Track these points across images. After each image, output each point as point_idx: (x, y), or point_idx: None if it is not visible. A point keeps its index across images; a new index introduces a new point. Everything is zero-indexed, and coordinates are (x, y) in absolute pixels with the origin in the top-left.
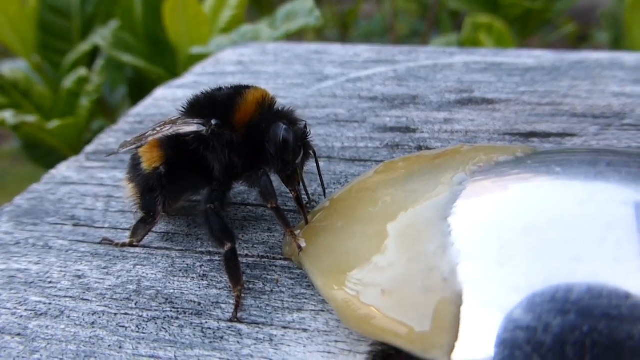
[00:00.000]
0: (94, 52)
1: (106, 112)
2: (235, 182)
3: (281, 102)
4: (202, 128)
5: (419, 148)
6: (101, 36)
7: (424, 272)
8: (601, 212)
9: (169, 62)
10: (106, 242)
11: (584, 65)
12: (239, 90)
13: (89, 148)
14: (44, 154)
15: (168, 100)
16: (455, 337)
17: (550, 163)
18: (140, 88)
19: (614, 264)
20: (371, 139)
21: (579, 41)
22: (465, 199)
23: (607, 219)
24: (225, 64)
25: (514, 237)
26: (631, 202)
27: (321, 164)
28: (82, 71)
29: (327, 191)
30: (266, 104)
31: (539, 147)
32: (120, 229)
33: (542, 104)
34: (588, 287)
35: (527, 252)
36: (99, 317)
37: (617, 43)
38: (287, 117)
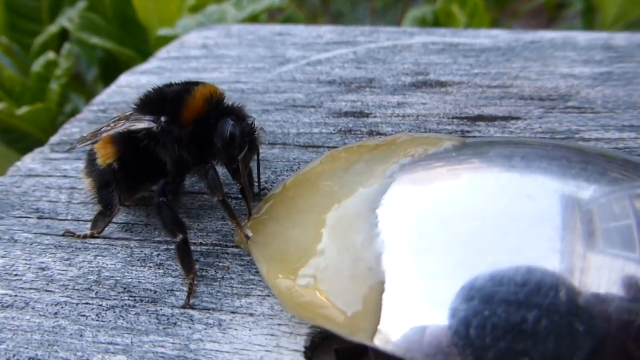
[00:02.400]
0: (64, 34)
1: (82, 87)
2: (187, 175)
3: (242, 87)
4: (152, 124)
5: (371, 133)
6: (68, 17)
7: (352, 262)
8: (507, 205)
9: (139, 42)
10: (68, 234)
11: (538, 45)
12: (187, 87)
13: (53, 139)
14: (16, 138)
15: (132, 87)
16: (377, 321)
17: (471, 156)
18: (112, 68)
19: (513, 254)
20: (325, 124)
21: (558, 9)
22: (393, 191)
23: (512, 212)
24: (189, 48)
25: (432, 228)
26: (535, 196)
27: (276, 150)
28: (50, 55)
29: (280, 178)
30: (214, 100)
31: (468, 138)
32: (83, 220)
33: (493, 86)
34: (490, 276)
35: (442, 242)
36: (62, 307)
37: (589, 12)
38: (236, 113)
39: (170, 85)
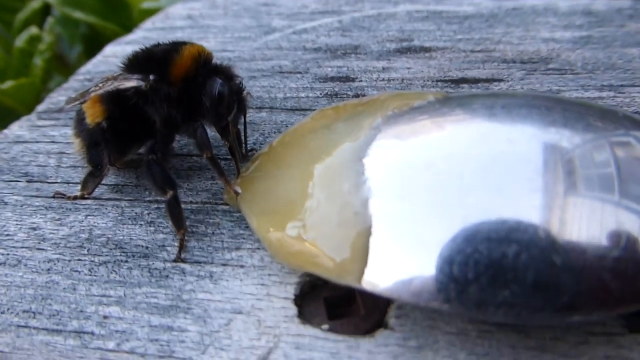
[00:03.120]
0: (46, 10)
1: (65, 68)
2: (176, 134)
3: (229, 55)
4: (141, 83)
5: (356, 96)
6: None
7: (339, 208)
8: (489, 149)
9: (123, 17)
10: (59, 195)
11: (520, 12)
12: (175, 47)
13: (40, 107)
14: (0, 115)
15: (118, 56)
16: (364, 264)
17: (454, 107)
18: (95, 45)
19: (494, 194)
20: (312, 89)
21: None
22: (378, 142)
23: (493, 155)
24: (175, 19)
25: (415, 173)
26: (515, 140)
27: (263, 114)
28: (33, 30)
29: (268, 140)
30: (202, 59)
31: (450, 93)
32: (73, 183)
33: (476, 50)
34: (472, 215)
35: (425, 186)
36: (54, 264)
37: None
38: (224, 72)
39: (158, 45)
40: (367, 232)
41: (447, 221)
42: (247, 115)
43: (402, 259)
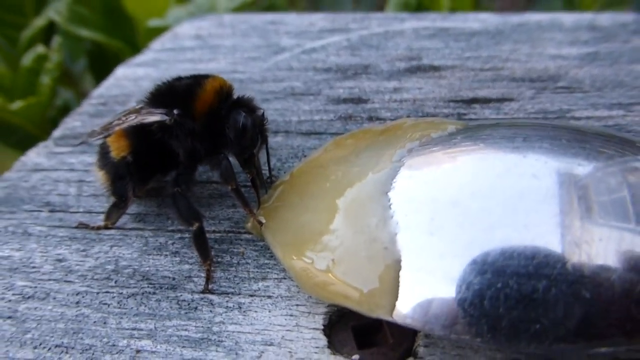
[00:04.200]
0: (51, 27)
1: (69, 81)
2: (199, 165)
3: (240, 77)
4: (165, 117)
5: (370, 118)
6: (55, 10)
7: (368, 243)
8: (514, 185)
9: (128, 33)
10: (82, 226)
11: (526, 27)
12: (197, 80)
13: (56, 133)
14: (7, 132)
15: (129, 79)
16: (395, 297)
17: (475, 139)
18: (100, 60)
19: (523, 230)
20: (326, 111)
21: None
22: (403, 175)
23: (519, 191)
24: (183, 39)
25: (443, 209)
26: (539, 175)
27: (279, 138)
28: (40, 49)
29: (286, 165)
30: (224, 93)
31: (470, 121)
32: (95, 212)
33: (485, 69)
34: (502, 251)
35: (453, 222)
36: (83, 297)
37: None
38: (247, 105)
39: (180, 79)
40: (396, 266)
41: (477, 256)
42: (261, 149)
43: (433, 293)
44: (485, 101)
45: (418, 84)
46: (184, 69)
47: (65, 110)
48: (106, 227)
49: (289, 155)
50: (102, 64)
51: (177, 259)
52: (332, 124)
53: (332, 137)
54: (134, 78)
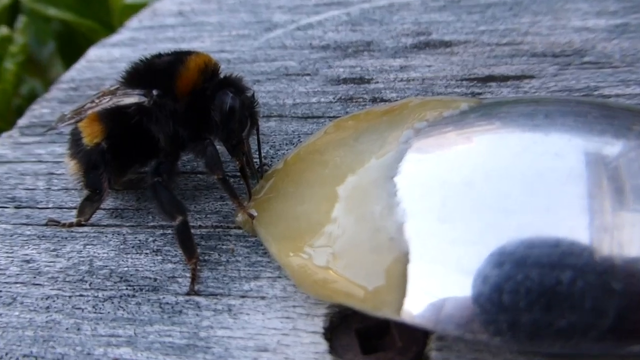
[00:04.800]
0: (15, 6)
1: (35, 69)
2: (182, 152)
3: (227, 56)
4: (143, 99)
5: (374, 100)
6: None
7: (371, 233)
8: (534, 164)
9: (102, 12)
10: (52, 223)
11: None
12: (179, 57)
13: (22, 121)
14: None
15: (104, 61)
16: (403, 294)
17: (491, 117)
18: (71, 44)
19: (544, 214)
20: (324, 92)
21: None
22: (410, 158)
23: (540, 171)
24: (164, 16)
25: (455, 193)
26: (562, 153)
27: (272, 123)
28: (3, 30)
29: (279, 152)
30: (209, 71)
31: (485, 99)
32: (66, 208)
33: (502, 44)
34: (521, 238)
35: (466, 207)
36: (54, 301)
37: None
38: (234, 84)
39: (160, 55)
40: (404, 259)
41: (494, 245)
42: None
43: (445, 288)
44: (503, 79)
45: (427, 61)
46: (165, 50)
47: (31, 100)
48: (79, 224)
49: (283, 142)
50: (73, 48)
51: (159, 257)
52: (331, 106)
53: (332, 120)
54: (108, 60)
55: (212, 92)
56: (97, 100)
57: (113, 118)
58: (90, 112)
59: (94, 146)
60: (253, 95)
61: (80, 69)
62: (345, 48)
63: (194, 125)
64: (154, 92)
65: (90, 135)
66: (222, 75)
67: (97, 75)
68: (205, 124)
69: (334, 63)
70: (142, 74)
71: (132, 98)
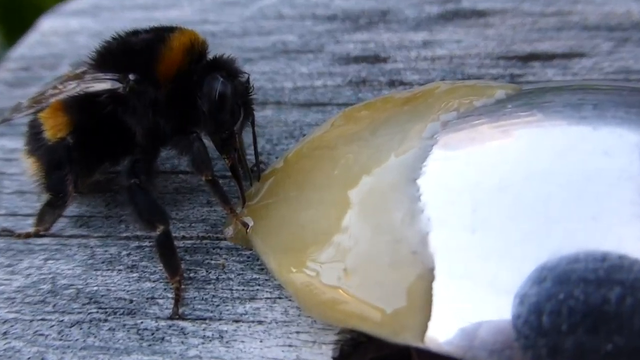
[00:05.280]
0: None
1: None
2: (162, 148)
3: (211, 29)
4: (117, 85)
5: (391, 84)
6: None
7: (391, 245)
8: (579, 165)
9: None
10: (6, 232)
11: None
12: (160, 35)
13: None
14: None
15: (60, 34)
16: (427, 316)
17: (531, 107)
18: (14, 11)
19: (591, 223)
20: (331, 74)
21: None
22: (436, 156)
23: (585, 172)
24: None
25: (488, 197)
26: (612, 152)
27: (268, 112)
28: None
29: (278, 148)
30: (196, 51)
31: (525, 85)
32: (21, 214)
33: (547, 14)
34: (564, 251)
35: (501, 214)
36: (12, 326)
37: None
38: (226, 67)
39: (137, 33)
40: (428, 276)
41: (532, 259)
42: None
43: (477, 309)
44: (548, 57)
45: (456, 34)
46: (135, 19)
47: None
48: (37, 234)
49: (282, 135)
50: (17, 16)
51: (135, 274)
52: (339, 91)
53: (341, 108)
54: (65, 32)
55: (199, 77)
56: (60, 87)
57: (81, 108)
58: (53, 100)
59: (58, 141)
60: (248, 80)
61: (31, 44)
62: (356, 18)
63: (177, 116)
64: (131, 76)
65: (54, 129)
66: (210, 57)
67: (52, 51)
68: (191, 115)
69: (343, 37)
70: (115, 55)
71: (103, 84)
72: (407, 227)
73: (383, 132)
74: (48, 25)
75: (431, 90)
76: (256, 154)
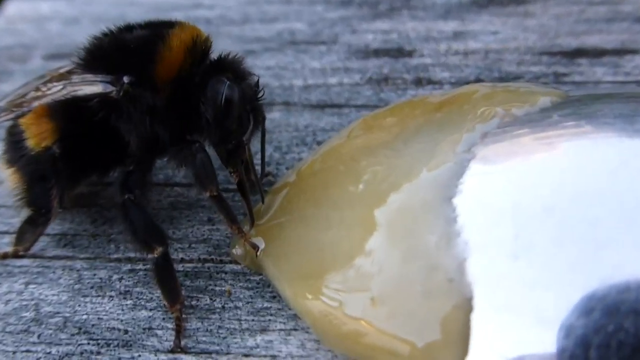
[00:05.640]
0: None
1: None
2: (157, 159)
3: (206, 14)
4: (110, 88)
5: (418, 82)
6: None
7: (424, 272)
8: (633, 184)
9: None
10: None
11: None
12: (158, 32)
13: None
14: None
15: (29, 20)
16: (464, 351)
17: (580, 118)
18: None
19: None
20: (347, 70)
21: None
22: (473, 172)
23: (638, 193)
24: None
25: (532, 220)
26: None
27: (276, 114)
28: None
29: (287, 157)
30: (198, 50)
31: (571, 92)
32: None
33: (595, 2)
34: (613, 280)
35: (546, 239)
36: None
37: None
38: (231, 68)
39: (131, 28)
40: (466, 306)
41: (580, 289)
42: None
43: (519, 343)
44: (596, 54)
45: (491, 25)
46: (116, 4)
47: None
48: (16, 255)
49: (292, 142)
50: None
51: (129, 302)
52: (357, 90)
53: (359, 111)
54: (35, 18)
55: (202, 79)
56: (44, 89)
57: (68, 114)
58: (36, 104)
59: (42, 151)
60: (257, 83)
61: None
62: (376, 4)
63: (177, 123)
64: (125, 78)
65: (37, 137)
66: (214, 56)
67: (20, 40)
68: (193, 123)
69: (360, 26)
70: (107, 54)
71: (94, 87)
72: (442, 252)
73: (412, 143)
74: (14, 9)
75: (467, 95)
76: (263, 164)
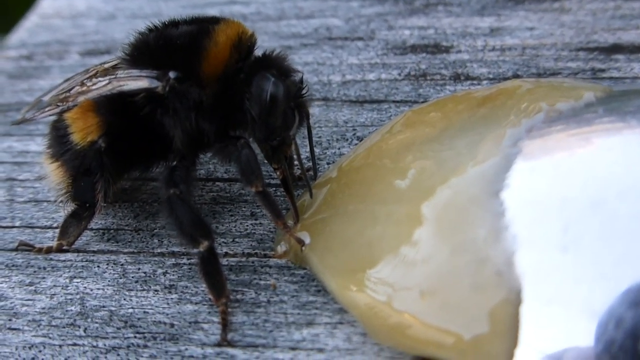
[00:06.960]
0: None
1: None
2: (201, 154)
3: (241, 10)
4: (156, 83)
5: (456, 77)
6: None
7: (473, 265)
8: None
9: None
10: (24, 247)
11: None
12: (204, 27)
13: None
14: None
15: (64, 17)
16: (514, 343)
17: (625, 113)
18: None
19: None
20: (385, 66)
21: None
22: (520, 167)
23: None
24: None
25: (580, 214)
26: None
27: (315, 110)
28: None
29: (328, 152)
30: (244, 46)
31: (615, 87)
32: (38, 226)
33: None
34: None
35: (595, 232)
36: (40, 352)
37: None
38: (277, 65)
39: (176, 23)
40: (515, 299)
41: (629, 280)
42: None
43: (568, 335)
44: (634, 50)
45: (528, 21)
46: (151, 0)
47: None
48: (60, 249)
49: (332, 137)
50: None
51: (175, 295)
52: (396, 86)
53: (398, 106)
54: (70, 15)
55: (247, 76)
56: (89, 84)
57: (113, 108)
58: (82, 99)
59: (88, 145)
60: (301, 79)
61: (32, 28)
62: (411, 0)
63: (222, 119)
64: (171, 74)
65: (83, 131)
66: (259, 53)
67: (57, 37)
68: (238, 119)
69: (396, 22)
70: (152, 49)
71: (140, 82)
72: (490, 246)
73: (458, 138)
74: (49, 5)
75: (511, 90)
76: (313, 162)
